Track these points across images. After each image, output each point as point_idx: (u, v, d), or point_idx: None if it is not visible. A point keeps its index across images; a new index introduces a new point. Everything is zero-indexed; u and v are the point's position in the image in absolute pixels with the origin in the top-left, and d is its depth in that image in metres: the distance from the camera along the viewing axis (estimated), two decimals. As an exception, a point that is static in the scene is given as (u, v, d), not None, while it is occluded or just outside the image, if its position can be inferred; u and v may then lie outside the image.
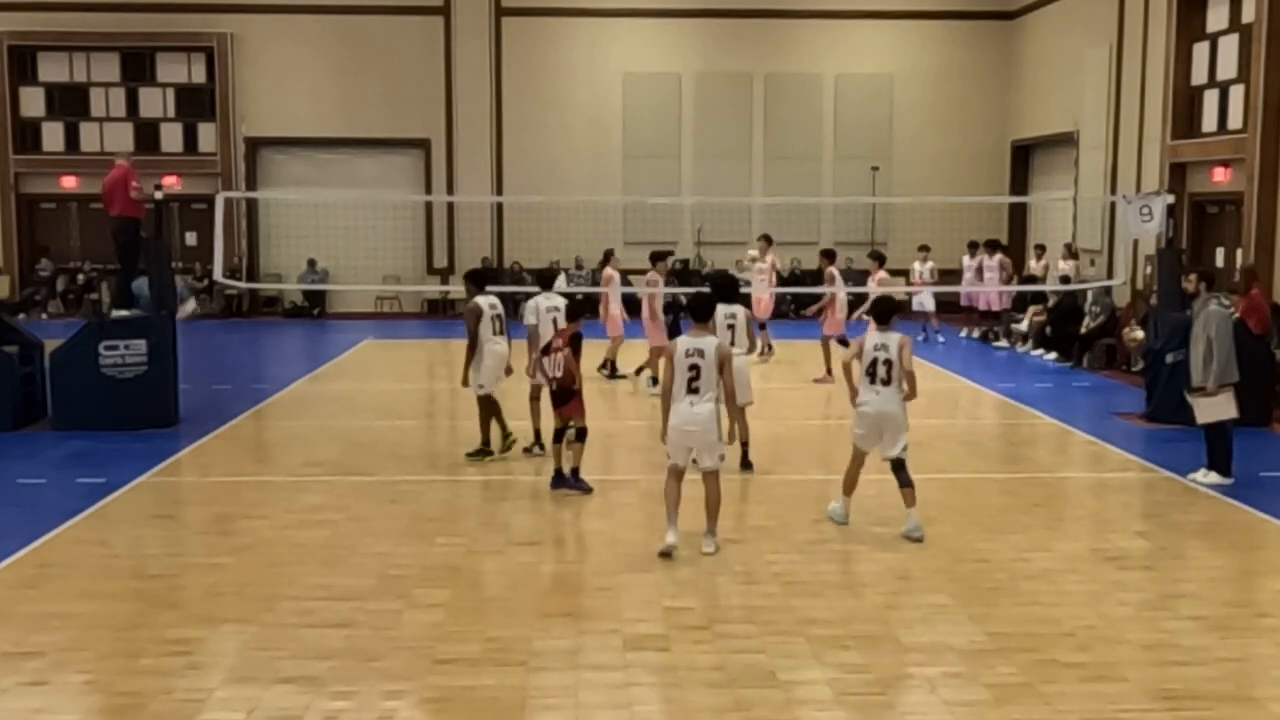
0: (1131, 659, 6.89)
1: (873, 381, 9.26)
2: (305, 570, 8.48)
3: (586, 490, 10.52)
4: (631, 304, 17.69)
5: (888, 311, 9.54)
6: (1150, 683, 6.55)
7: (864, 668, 6.75)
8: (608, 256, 17.65)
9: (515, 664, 6.76)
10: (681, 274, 26.58)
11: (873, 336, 9.35)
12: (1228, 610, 7.84)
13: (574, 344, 10.57)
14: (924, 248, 22.70)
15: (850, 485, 9.61)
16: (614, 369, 17.08)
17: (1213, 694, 6.42)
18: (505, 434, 12.04)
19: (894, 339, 9.26)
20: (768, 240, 19.59)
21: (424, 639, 7.14)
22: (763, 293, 17.45)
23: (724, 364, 8.67)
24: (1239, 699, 6.38)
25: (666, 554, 8.62)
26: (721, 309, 11.05)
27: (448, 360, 19.55)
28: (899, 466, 9.26)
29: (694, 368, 8.63)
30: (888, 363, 9.21)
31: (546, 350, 10.63)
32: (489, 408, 11.96)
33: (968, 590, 8.09)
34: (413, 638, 7.17)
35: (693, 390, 8.63)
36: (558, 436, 10.67)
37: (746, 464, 11.53)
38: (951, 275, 23.26)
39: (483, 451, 11.99)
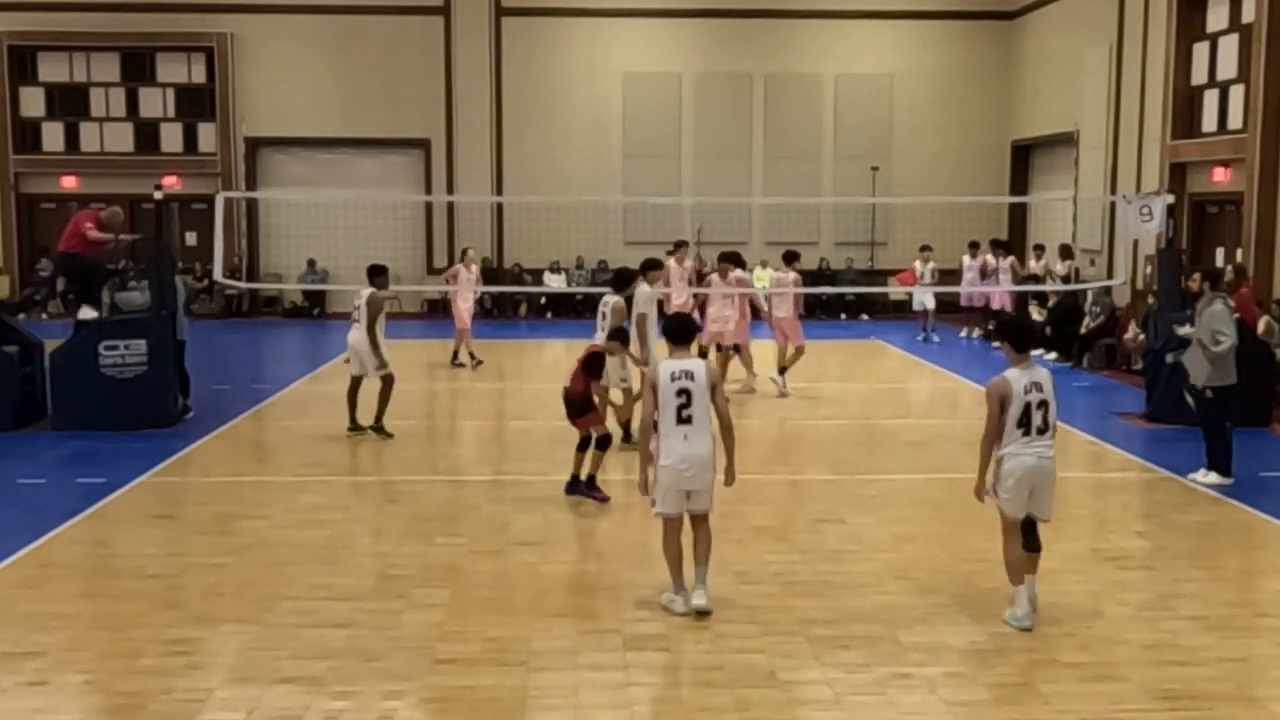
0: (1131, 659, 6.89)
1: (1026, 431, 7.41)
2: (305, 570, 8.48)
3: (602, 499, 10.32)
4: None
5: (1028, 337, 7.78)
6: (1150, 683, 6.55)
7: (864, 668, 6.75)
8: (463, 254, 19.77)
9: (515, 664, 6.76)
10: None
11: (1019, 376, 7.39)
12: (1228, 610, 7.84)
13: (591, 363, 10.59)
14: (925, 248, 22.70)
15: (1018, 571, 7.49)
16: (455, 358, 19.00)
17: (1213, 694, 6.41)
18: (351, 421, 13.25)
19: (1045, 376, 7.50)
20: (794, 257, 17.18)
21: (424, 639, 7.14)
22: (787, 312, 16.99)
23: (715, 387, 7.55)
24: (1239, 699, 6.38)
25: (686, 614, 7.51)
26: (608, 298, 12.16)
27: (447, 360, 19.53)
28: (1032, 528, 7.59)
29: (683, 393, 7.40)
30: (1044, 405, 7.43)
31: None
32: (353, 388, 13.30)
33: (968, 590, 8.09)
34: (413, 638, 7.17)
35: (684, 420, 7.40)
36: (582, 445, 10.45)
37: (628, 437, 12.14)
38: (950, 275, 23.26)
39: (374, 429, 13.12)
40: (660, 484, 7.47)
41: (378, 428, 13.14)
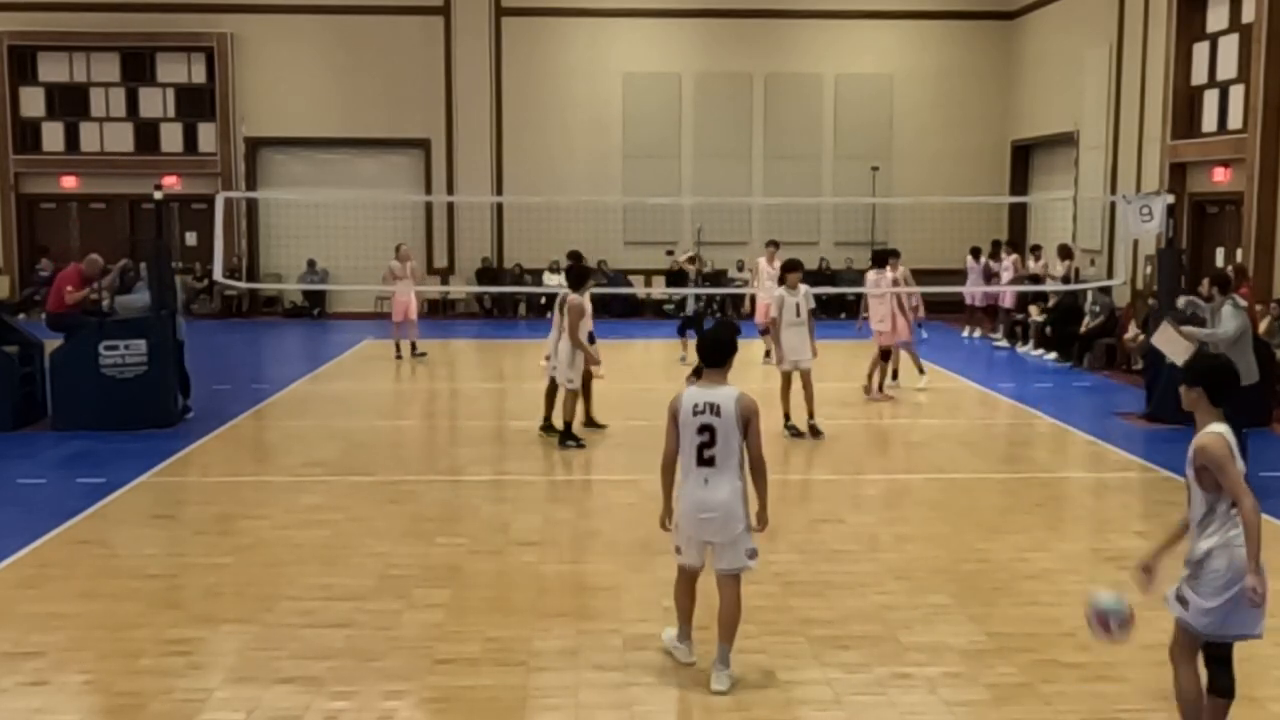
0: (1131, 659, 6.88)
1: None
2: (305, 570, 8.48)
3: None
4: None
5: (1230, 382, 5.63)
6: (1150, 683, 6.54)
7: (864, 668, 6.75)
8: (396, 250, 20.16)
9: (515, 664, 6.75)
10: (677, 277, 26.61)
11: (1220, 433, 5.51)
12: (1228, 610, 7.83)
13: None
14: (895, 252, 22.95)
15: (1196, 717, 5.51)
16: (405, 349, 19.65)
17: (1213, 694, 6.41)
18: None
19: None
20: (776, 245, 19.66)
21: (424, 639, 7.14)
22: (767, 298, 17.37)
23: (749, 422, 6.35)
24: (1239, 699, 6.35)
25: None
26: (564, 295, 12.49)
27: (448, 360, 19.57)
28: (1226, 660, 5.56)
29: (706, 429, 6.32)
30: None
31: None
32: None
33: (968, 590, 8.09)
34: (413, 638, 7.17)
35: (705, 462, 6.34)
36: None
37: (566, 440, 12.48)
38: (942, 275, 23.18)
39: (547, 430, 12.98)
40: (680, 531, 6.54)
41: (548, 428, 12.99)
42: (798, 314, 13.17)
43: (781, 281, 13.68)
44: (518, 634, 7.20)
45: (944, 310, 23.25)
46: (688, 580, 6.65)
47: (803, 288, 13.31)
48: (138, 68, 27.36)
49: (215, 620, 7.48)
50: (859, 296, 20.03)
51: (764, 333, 18.43)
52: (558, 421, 12.70)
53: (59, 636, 7.19)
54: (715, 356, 6.52)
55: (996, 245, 23.15)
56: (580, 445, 12.44)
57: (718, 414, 6.31)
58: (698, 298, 19.62)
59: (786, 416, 13.14)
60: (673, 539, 6.62)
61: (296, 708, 6.19)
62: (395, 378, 18.39)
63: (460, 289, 26.68)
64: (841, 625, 7.39)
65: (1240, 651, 6.97)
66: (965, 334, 22.84)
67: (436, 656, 6.88)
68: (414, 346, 19.72)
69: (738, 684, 6.41)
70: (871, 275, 16.58)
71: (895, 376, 16.51)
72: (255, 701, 6.26)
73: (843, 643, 7.10)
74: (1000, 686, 6.49)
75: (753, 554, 6.46)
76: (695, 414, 6.35)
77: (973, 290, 22.17)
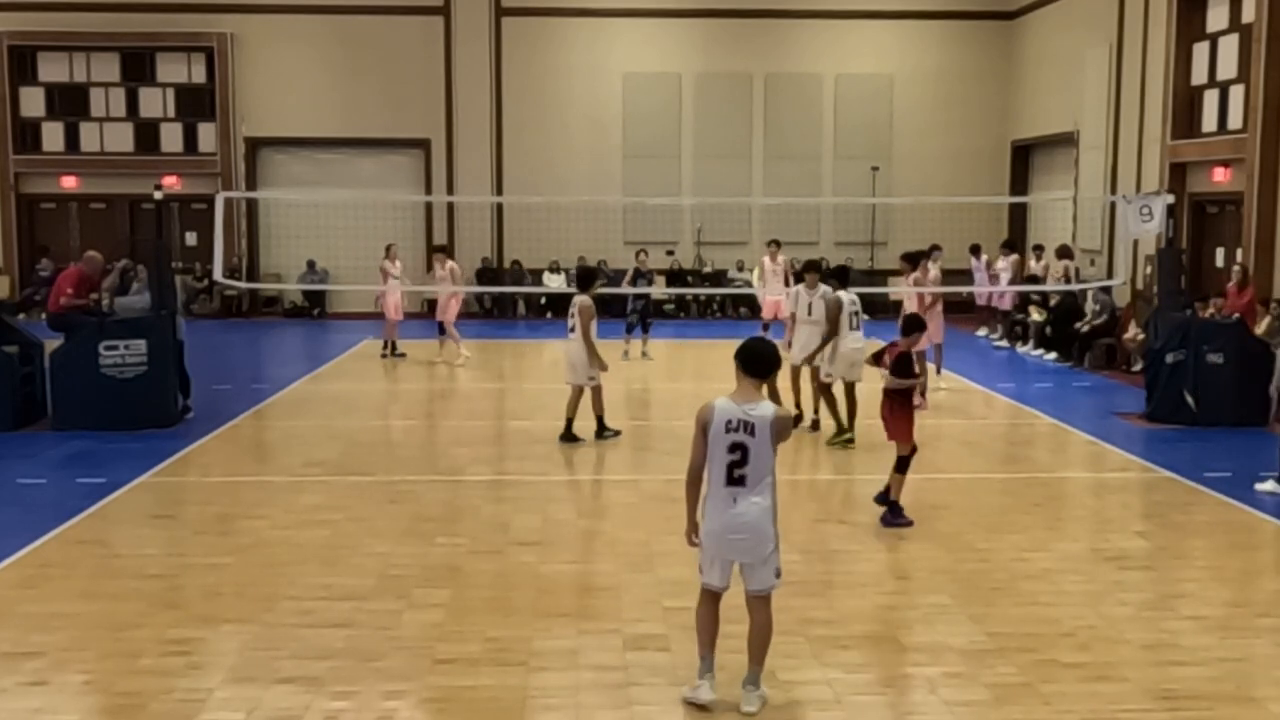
0: (1131, 659, 6.89)
1: None
2: (305, 570, 8.48)
3: (906, 523, 9.58)
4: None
5: None
6: (1150, 683, 6.55)
7: (864, 668, 6.75)
8: (387, 250, 20.20)
9: (515, 664, 6.76)
10: (678, 275, 26.64)
11: None
12: (1228, 610, 7.84)
13: (901, 365, 9.67)
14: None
15: None
16: (393, 348, 19.90)
17: (1213, 694, 6.41)
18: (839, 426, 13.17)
19: None
20: (777, 244, 20.50)
21: (424, 639, 7.14)
22: (776, 294, 17.66)
23: (780, 439, 6.09)
24: (1239, 699, 6.38)
25: (702, 707, 6.19)
26: (575, 298, 12.62)
27: (447, 360, 19.53)
28: None
29: (738, 447, 5.97)
30: None
31: (879, 360, 10.06)
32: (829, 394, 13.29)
33: (968, 590, 8.09)
34: (413, 638, 7.17)
35: (735, 481, 6.02)
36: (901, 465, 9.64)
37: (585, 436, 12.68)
38: (943, 276, 23.21)
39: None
40: (704, 550, 6.23)
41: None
42: (810, 313, 13.34)
43: (799, 280, 13.96)
44: (518, 634, 7.20)
45: (956, 310, 23.21)
46: (711, 602, 6.27)
47: (822, 287, 13.46)
48: (138, 68, 27.34)
49: (215, 620, 7.48)
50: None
51: (765, 329, 18.62)
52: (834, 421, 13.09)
53: (59, 636, 7.19)
54: (757, 368, 6.12)
55: (1003, 245, 23.19)
56: (616, 434, 12.82)
57: (751, 433, 5.97)
58: (636, 297, 19.94)
59: (798, 409, 13.36)
60: (698, 557, 6.29)
61: (296, 708, 6.19)
62: (395, 378, 18.40)
63: (459, 289, 26.61)
64: (841, 625, 7.40)
65: (1239, 652, 7.00)
66: (984, 334, 22.83)
67: (436, 656, 6.88)
68: (394, 346, 19.90)
69: (734, 680, 6.40)
70: (917, 276, 16.50)
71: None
72: (255, 701, 6.26)
73: (843, 643, 7.10)
74: (1000, 686, 6.49)
75: (779, 572, 6.26)
76: (728, 431, 5.99)
77: (979, 290, 22.19)
